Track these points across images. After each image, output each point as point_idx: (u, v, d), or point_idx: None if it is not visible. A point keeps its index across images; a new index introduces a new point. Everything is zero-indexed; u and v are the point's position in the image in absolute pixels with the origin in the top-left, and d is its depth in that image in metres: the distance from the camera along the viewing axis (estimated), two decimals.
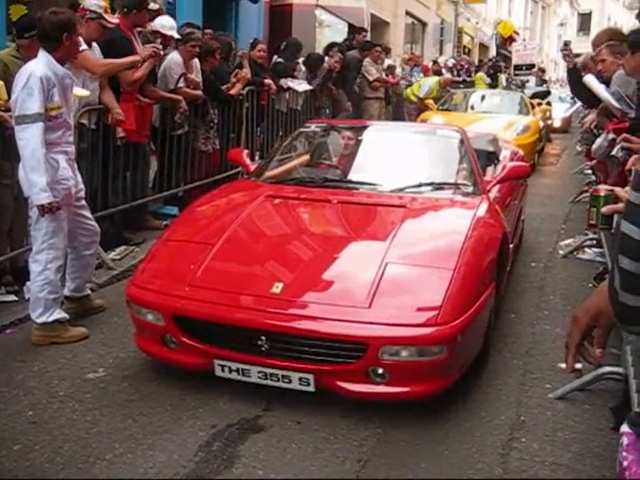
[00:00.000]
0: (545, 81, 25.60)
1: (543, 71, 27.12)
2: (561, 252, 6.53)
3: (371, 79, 11.66)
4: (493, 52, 30.90)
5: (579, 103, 9.31)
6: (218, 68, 7.37)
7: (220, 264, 3.74)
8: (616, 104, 5.29)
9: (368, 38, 13.88)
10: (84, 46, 5.27)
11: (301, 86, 9.20)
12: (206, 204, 4.59)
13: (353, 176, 4.83)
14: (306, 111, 9.58)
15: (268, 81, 8.30)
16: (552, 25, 44.78)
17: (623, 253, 1.21)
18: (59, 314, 4.17)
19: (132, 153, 6.11)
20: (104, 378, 3.75)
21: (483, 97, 13.43)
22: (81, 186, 4.40)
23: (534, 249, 6.64)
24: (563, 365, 1.72)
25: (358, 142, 5.43)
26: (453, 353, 3.25)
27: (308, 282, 3.58)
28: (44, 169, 3.91)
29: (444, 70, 16.29)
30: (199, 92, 6.88)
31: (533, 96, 15.69)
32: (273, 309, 3.36)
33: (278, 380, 3.32)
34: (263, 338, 3.28)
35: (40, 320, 4.12)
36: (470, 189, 4.62)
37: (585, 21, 51.10)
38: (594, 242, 6.30)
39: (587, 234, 6.50)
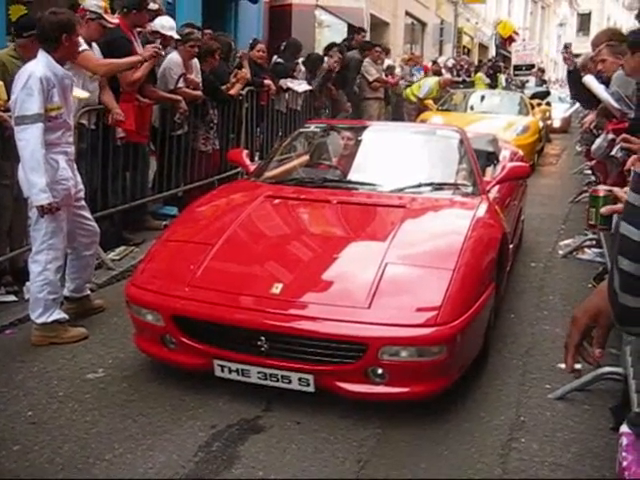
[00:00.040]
0: (545, 81, 25.59)
1: (543, 71, 27.11)
2: (561, 252, 6.53)
3: (371, 79, 11.65)
4: (493, 52, 30.90)
5: (578, 104, 9.32)
6: (218, 68, 7.37)
7: (220, 264, 3.74)
8: (615, 104, 5.29)
9: (368, 38, 13.90)
10: (85, 46, 5.28)
11: (301, 86, 9.20)
12: (206, 204, 4.59)
13: (353, 176, 4.83)
14: (306, 111, 9.58)
15: (268, 81, 8.30)
16: (552, 25, 44.80)
17: (622, 254, 1.21)
18: (59, 314, 4.17)
19: (132, 153, 6.11)
20: (104, 378, 3.75)
21: (483, 97, 13.43)
22: (81, 186, 4.40)
23: (534, 249, 6.64)
24: (562, 365, 1.72)
25: (358, 142, 5.43)
26: (453, 353, 3.25)
27: (308, 282, 3.58)
28: (44, 170, 3.91)
29: (444, 70, 16.28)
30: (199, 92, 6.88)
31: (533, 96, 15.68)
32: (273, 309, 3.36)
33: (278, 380, 3.32)
34: (263, 338, 3.28)
35: (40, 320, 4.12)
36: (470, 189, 4.62)
37: (584, 21, 51.11)
38: (594, 242, 6.30)
39: (587, 234, 6.50)
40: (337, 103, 10.70)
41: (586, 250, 6.43)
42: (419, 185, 4.57)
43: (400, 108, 13.47)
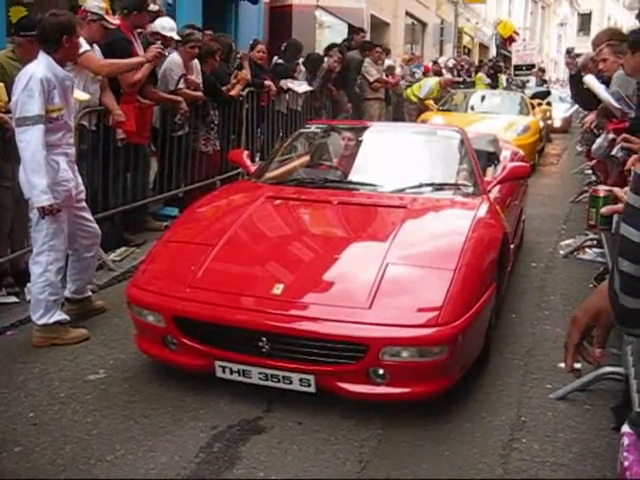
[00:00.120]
0: (545, 81, 25.62)
1: (543, 71, 27.14)
2: (562, 252, 6.53)
3: (371, 80, 11.65)
4: (493, 52, 30.91)
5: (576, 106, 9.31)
6: (218, 69, 7.37)
7: (221, 265, 3.74)
8: (616, 104, 5.28)
9: (368, 39, 13.89)
10: (87, 47, 5.29)
11: (301, 87, 9.20)
12: (206, 205, 4.59)
13: (353, 177, 4.83)
14: (306, 112, 9.58)
15: (268, 82, 8.31)
16: (552, 25, 44.80)
17: (622, 256, 1.21)
18: (60, 315, 4.18)
19: (132, 154, 6.11)
20: (105, 379, 3.75)
21: (483, 97, 13.43)
22: (81, 188, 4.40)
23: (535, 249, 6.64)
24: (563, 365, 1.72)
25: (358, 143, 5.42)
26: (454, 354, 3.25)
27: (309, 283, 3.58)
28: (45, 171, 3.91)
29: (444, 70, 16.29)
30: (199, 93, 6.89)
31: (533, 96, 15.69)
32: (274, 310, 3.36)
33: (279, 381, 3.32)
34: (264, 339, 3.28)
35: (41, 322, 4.12)
36: (470, 190, 4.62)
37: (585, 21, 51.12)
38: (594, 242, 6.30)
39: (587, 234, 6.50)
40: (337, 104, 10.69)
41: (587, 250, 6.43)
42: (420, 185, 4.57)
43: (401, 108, 13.47)
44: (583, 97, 6.43)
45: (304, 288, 3.53)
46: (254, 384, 3.39)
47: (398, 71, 13.97)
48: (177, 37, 6.59)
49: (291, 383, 3.31)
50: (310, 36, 14.30)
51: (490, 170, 5.48)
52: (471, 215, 4.11)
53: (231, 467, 2.94)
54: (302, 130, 5.97)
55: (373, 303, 3.31)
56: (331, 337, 3.24)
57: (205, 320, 3.44)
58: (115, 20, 5.83)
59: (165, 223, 6.36)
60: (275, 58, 9.46)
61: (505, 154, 6.26)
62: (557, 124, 17.80)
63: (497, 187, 4.89)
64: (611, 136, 5.32)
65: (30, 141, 3.89)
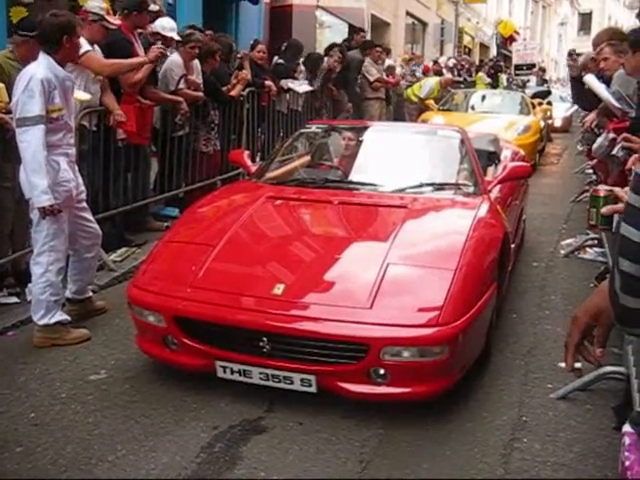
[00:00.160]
0: (546, 81, 25.59)
1: (544, 71, 27.12)
2: (562, 252, 6.53)
3: (372, 79, 11.65)
4: (494, 52, 30.90)
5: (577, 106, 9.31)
6: (218, 69, 7.37)
7: (221, 265, 3.74)
8: (616, 104, 5.28)
9: (368, 38, 13.88)
10: (88, 47, 5.30)
11: (302, 87, 9.20)
12: (207, 205, 4.59)
13: (354, 177, 4.83)
14: (307, 112, 9.58)
15: (269, 82, 8.30)
16: (552, 25, 44.79)
17: (623, 255, 1.21)
18: (61, 316, 4.18)
19: (133, 155, 6.12)
20: (106, 380, 3.76)
21: (484, 97, 13.42)
22: (82, 188, 4.40)
23: (535, 249, 6.64)
24: (563, 364, 1.72)
25: (359, 143, 5.42)
26: (455, 353, 3.25)
27: (309, 283, 3.58)
28: (45, 171, 3.92)
29: (445, 70, 16.28)
30: (200, 93, 6.88)
31: (534, 96, 15.67)
32: (274, 310, 3.36)
33: (280, 381, 3.33)
34: (264, 339, 3.28)
35: (42, 322, 4.12)
36: (471, 189, 4.62)
37: (585, 21, 51.11)
38: (595, 242, 6.30)
39: (588, 234, 6.49)
40: (338, 103, 10.69)
41: (588, 249, 6.43)
42: (420, 185, 4.57)
43: (401, 108, 13.47)
44: (584, 99, 6.43)
45: (305, 288, 3.53)
46: (255, 384, 3.39)
47: (398, 71, 13.97)
48: (177, 37, 6.60)
49: (292, 383, 3.31)
50: (310, 36, 14.30)
51: (491, 170, 5.48)
52: (472, 215, 4.11)
53: (232, 467, 2.94)
54: (303, 130, 5.98)
55: (374, 303, 3.31)
56: (332, 337, 3.24)
57: (206, 320, 3.44)
58: (116, 20, 5.84)
59: (166, 223, 6.37)
60: (275, 58, 9.45)
61: (506, 154, 6.25)
62: (558, 123, 17.79)
63: (498, 187, 4.89)
64: (612, 135, 5.31)
65: (31, 141, 3.89)
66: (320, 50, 11.65)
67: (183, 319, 3.48)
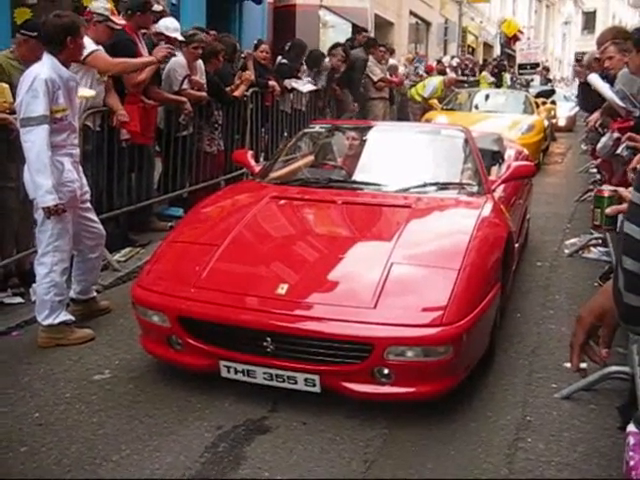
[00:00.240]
0: (550, 80, 25.56)
1: (547, 70, 27.09)
2: (566, 251, 6.52)
3: (375, 79, 11.65)
4: (497, 51, 30.88)
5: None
6: (222, 70, 7.38)
7: (225, 265, 3.75)
8: (620, 103, 5.27)
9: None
10: (95, 47, 5.31)
11: (305, 87, 9.20)
12: (211, 205, 4.59)
13: (358, 176, 4.83)
14: (310, 112, 9.58)
15: (272, 83, 8.30)
16: (556, 24, 44.75)
17: (626, 254, 1.20)
18: (65, 316, 4.18)
19: (137, 155, 6.12)
20: (110, 380, 3.76)
21: (487, 96, 13.38)
22: (86, 188, 4.41)
23: (539, 248, 6.63)
24: (568, 364, 1.71)
25: (363, 142, 5.42)
26: (459, 353, 3.25)
27: (313, 283, 3.58)
28: (50, 171, 3.92)
29: (448, 70, 16.27)
30: (203, 93, 6.89)
31: (538, 95, 15.63)
32: (278, 310, 3.36)
33: (284, 381, 3.33)
34: (268, 339, 3.28)
35: (46, 322, 4.13)
36: (475, 189, 4.61)
37: (589, 19, 51.05)
38: (599, 241, 6.29)
39: (592, 233, 6.48)
40: (342, 103, 10.68)
41: (592, 249, 6.42)
42: (424, 185, 4.57)
43: (405, 108, 13.47)
44: (590, 102, 6.42)
45: (309, 288, 3.53)
46: (259, 384, 3.39)
47: (402, 70, 13.96)
48: (181, 38, 6.60)
49: (296, 383, 3.31)
50: (314, 36, 14.31)
51: (494, 169, 5.47)
52: (476, 214, 4.11)
53: (236, 467, 2.94)
54: (306, 130, 5.98)
55: (378, 303, 3.31)
56: (336, 337, 3.23)
57: (210, 320, 3.44)
58: (121, 21, 5.84)
59: (170, 223, 6.37)
60: (279, 58, 9.45)
61: (509, 153, 6.25)
62: (562, 123, 17.76)
63: (502, 186, 4.89)
64: (616, 135, 5.31)
65: (35, 141, 3.90)
66: (323, 50, 11.64)
67: (187, 319, 3.48)
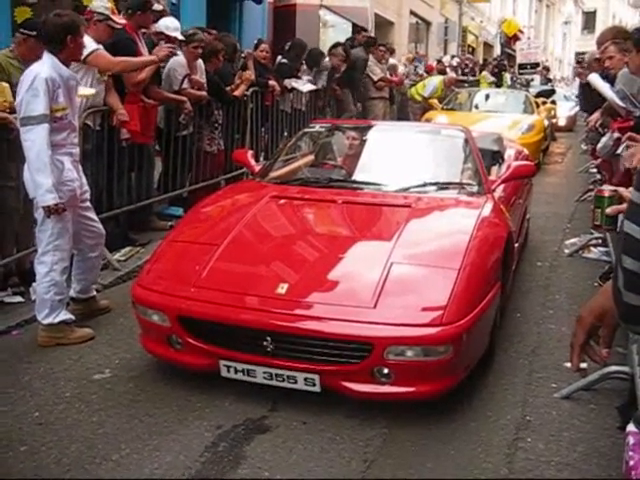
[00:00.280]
0: (550, 80, 25.54)
1: (548, 70, 27.07)
2: (566, 251, 6.52)
3: (375, 79, 11.65)
4: (497, 51, 30.87)
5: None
6: (222, 69, 7.38)
7: (225, 265, 3.75)
8: (621, 103, 5.27)
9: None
10: (97, 45, 5.31)
11: (305, 86, 9.19)
12: (211, 205, 4.59)
13: (358, 176, 4.83)
14: (310, 111, 9.58)
15: (272, 82, 8.30)
16: (557, 24, 44.75)
17: (626, 253, 1.21)
18: (65, 315, 4.19)
19: (137, 154, 6.12)
20: (110, 379, 3.76)
21: (487, 96, 13.38)
22: (86, 188, 4.41)
23: (539, 248, 6.63)
24: (568, 364, 1.71)
25: (363, 142, 5.42)
26: (459, 353, 3.25)
27: (313, 282, 3.58)
28: (50, 170, 3.92)
29: (448, 69, 16.27)
30: (203, 93, 6.88)
31: (538, 95, 15.63)
32: (278, 309, 3.36)
33: (283, 380, 3.33)
34: (268, 339, 3.28)
35: (46, 321, 4.13)
36: (475, 189, 4.61)
37: (590, 19, 51.05)
38: (599, 241, 6.29)
39: (592, 233, 6.48)
40: (342, 103, 10.68)
41: (592, 249, 6.42)
42: (424, 185, 4.57)
43: (405, 107, 13.47)
44: (590, 104, 6.42)
45: (309, 287, 3.53)
46: (259, 383, 3.40)
47: (402, 70, 13.96)
48: (181, 37, 6.60)
49: (296, 382, 3.31)
50: (314, 35, 14.31)
51: (494, 169, 5.48)
52: (475, 214, 4.11)
53: (236, 466, 2.95)
54: (306, 129, 5.98)
55: (378, 302, 3.31)
56: (336, 336, 3.24)
57: (210, 319, 3.45)
58: (121, 20, 5.83)
59: (170, 223, 6.37)
60: (279, 58, 9.46)
61: (509, 153, 6.25)
62: (562, 123, 17.75)
63: (501, 186, 4.89)
64: (616, 135, 5.31)
65: (35, 140, 3.90)
66: (324, 49, 11.64)
67: (187, 318, 3.48)
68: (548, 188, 9.84)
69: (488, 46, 31.75)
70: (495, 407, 3.49)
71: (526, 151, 7.12)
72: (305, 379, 3.29)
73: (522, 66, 23.95)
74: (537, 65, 24.15)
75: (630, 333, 3.14)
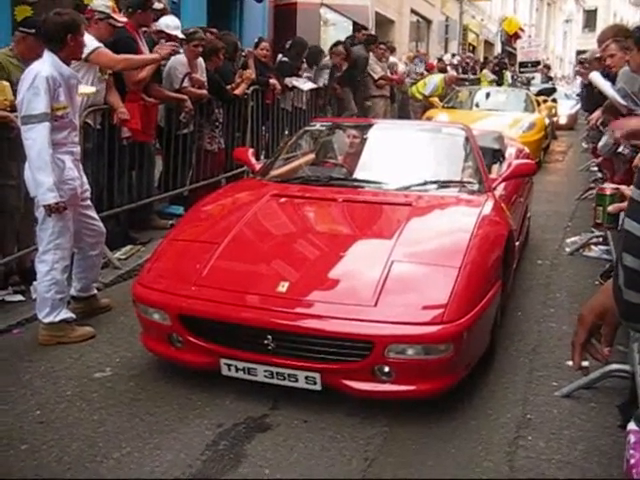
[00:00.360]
0: (551, 78, 25.50)
1: (548, 68, 27.02)
2: (567, 249, 6.52)
3: (376, 77, 11.64)
4: (498, 49, 30.85)
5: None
6: (223, 68, 7.37)
7: (226, 263, 3.75)
8: (622, 101, 5.26)
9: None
10: (98, 44, 5.30)
11: (306, 85, 9.19)
12: (212, 203, 4.59)
13: (358, 174, 4.83)
14: (311, 110, 9.58)
15: (273, 81, 8.30)
16: (557, 22, 44.73)
17: (627, 251, 1.21)
18: (66, 314, 4.19)
19: (137, 153, 6.12)
20: (111, 377, 3.76)
21: (488, 95, 13.38)
22: (87, 186, 4.41)
23: (540, 246, 6.63)
24: (570, 363, 1.72)
25: (363, 140, 5.42)
26: (459, 351, 3.25)
27: (314, 281, 3.58)
28: (51, 169, 3.92)
29: (449, 68, 16.26)
30: (204, 91, 6.88)
31: (539, 93, 15.62)
32: (279, 308, 3.36)
33: (284, 379, 3.33)
34: (269, 337, 3.28)
35: (47, 320, 4.13)
36: (476, 187, 4.61)
37: (590, 18, 51.01)
38: (600, 239, 6.29)
39: (593, 231, 6.47)
40: (342, 102, 10.67)
41: (593, 247, 6.41)
42: (425, 183, 4.57)
43: (406, 106, 13.47)
44: (592, 103, 6.41)
45: (309, 286, 3.53)
46: (260, 382, 3.40)
47: (403, 68, 13.94)
48: (181, 35, 6.59)
49: (297, 381, 3.31)
50: (315, 34, 14.29)
51: (495, 167, 5.47)
52: (476, 212, 4.11)
53: (237, 465, 2.95)
54: (307, 128, 5.97)
55: (378, 301, 3.31)
56: (336, 335, 3.24)
57: (210, 318, 3.45)
58: (122, 18, 5.83)
59: (170, 221, 6.37)
60: (280, 56, 9.45)
61: (510, 151, 6.24)
62: (563, 121, 17.75)
63: (502, 184, 4.88)
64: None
65: (36, 139, 3.89)
66: (324, 48, 11.63)
67: (188, 317, 3.48)
68: (549, 186, 9.84)
69: (489, 44, 31.72)
70: (496, 405, 3.49)
71: (527, 149, 7.12)
72: (306, 377, 3.29)
73: (523, 64, 23.90)
74: (538, 63, 24.10)
75: (631, 331, 3.14)
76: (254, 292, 3.54)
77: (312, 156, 5.51)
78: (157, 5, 6.86)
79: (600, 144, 5.94)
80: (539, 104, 13.44)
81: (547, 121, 12.88)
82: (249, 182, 5.34)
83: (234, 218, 4.15)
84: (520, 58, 24.42)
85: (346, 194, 4.47)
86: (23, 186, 4.31)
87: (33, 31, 4.63)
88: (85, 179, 4.40)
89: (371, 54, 11.58)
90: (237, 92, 7.44)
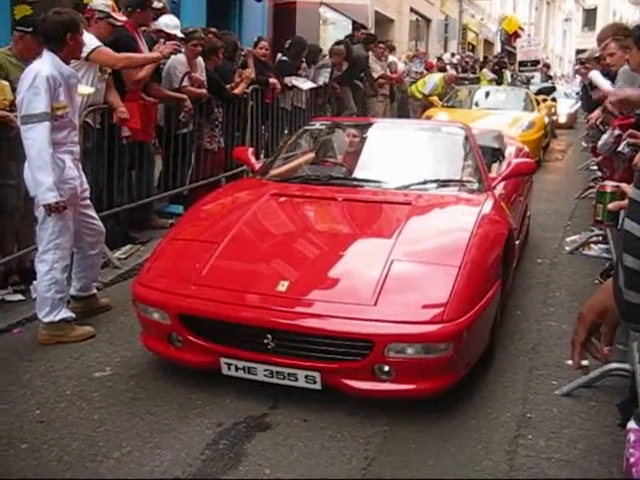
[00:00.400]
0: (550, 77, 25.50)
1: (548, 67, 27.01)
2: (567, 248, 6.52)
3: (375, 76, 11.63)
4: (498, 48, 30.84)
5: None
6: (222, 67, 7.37)
7: (226, 262, 3.75)
8: None
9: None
10: (98, 42, 5.31)
11: (305, 84, 9.19)
12: (211, 203, 4.59)
13: (358, 173, 4.82)
14: (311, 109, 9.58)
15: (273, 80, 8.29)
16: (557, 21, 44.72)
17: (626, 251, 1.21)
18: (66, 313, 4.19)
19: (137, 152, 6.12)
20: (111, 377, 3.76)
21: (488, 94, 13.39)
22: (86, 186, 4.41)
23: (540, 245, 6.63)
24: (570, 362, 1.72)
25: (363, 139, 5.42)
26: (459, 350, 3.25)
27: (314, 280, 3.58)
28: (51, 168, 3.92)
29: (449, 67, 16.25)
30: (203, 91, 6.88)
31: (538, 92, 15.62)
32: (279, 307, 3.36)
33: (284, 378, 3.33)
34: (269, 336, 3.28)
35: (47, 319, 4.13)
36: (475, 186, 4.61)
37: (590, 16, 51.01)
38: (600, 238, 6.29)
39: (593, 230, 6.48)
40: (342, 101, 10.67)
41: (592, 246, 6.42)
42: (425, 182, 4.57)
43: (405, 105, 13.47)
44: (592, 102, 6.41)
45: (309, 285, 3.53)
46: (259, 381, 3.40)
47: (402, 67, 13.94)
48: (181, 35, 6.59)
49: (296, 380, 3.31)
50: (314, 33, 14.28)
51: (495, 166, 5.47)
52: (476, 211, 4.11)
53: (237, 464, 2.95)
54: (307, 127, 5.97)
55: (378, 300, 3.31)
56: (336, 334, 3.24)
57: (210, 317, 3.45)
58: (122, 17, 5.83)
59: (170, 221, 6.37)
60: (279, 55, 9.45)
61: (510, 150, 6.24)
62: (562, 120, 17.75)
63: (502, 183, 4.88)
64: (617, 132, 5.30)
65: (36, 138, 3.89)
66: (324, 47, 11.62)
67: (188, 316, 3.48)
68: (549, 185, 9.84)
69: (488, 43, 31.71)
70: (495, 404, 3.49)
71: (526, 148, 7.13)
72: (306, 377, 3.29)
73: (522, 63, 23.90)
74: (537, 62, 24.11)
75: (631, 330, 3.14)
76: (254, 291, 3.54)
77: (312, 155, 5.51)
78: (156, 4, 6.85)
79: (600, 143, 5.93)
80: (539, 103, 13.44)
81: (547, 120, 12.88)
82: (249, 181, 5.34)
83: (234, 217, 4.15)
84: (520, 57, 24.42)
85: (346, 193, 4.47)
86: (23, 186, 4.31)
87: (30, 30, 4.62)
88: (85, 178, 4.40)
89: (370, 53, 11.57)
90: (237, 91, 7.44)
